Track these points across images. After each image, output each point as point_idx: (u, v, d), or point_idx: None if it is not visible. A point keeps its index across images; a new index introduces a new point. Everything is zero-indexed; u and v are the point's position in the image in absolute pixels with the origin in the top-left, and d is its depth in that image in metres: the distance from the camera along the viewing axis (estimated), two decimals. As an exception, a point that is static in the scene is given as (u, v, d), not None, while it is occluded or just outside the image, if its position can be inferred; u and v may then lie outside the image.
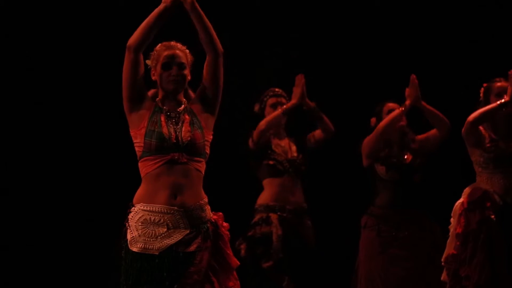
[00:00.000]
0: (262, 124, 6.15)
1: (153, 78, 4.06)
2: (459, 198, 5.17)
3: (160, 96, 4.05)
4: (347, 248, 6.21)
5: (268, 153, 6.20)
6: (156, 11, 3.98)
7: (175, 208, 3.90)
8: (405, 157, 5.88)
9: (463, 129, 5.11)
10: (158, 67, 4.02)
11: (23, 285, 7.10)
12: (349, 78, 7.42)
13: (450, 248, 5.09)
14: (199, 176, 3.98)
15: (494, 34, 7.10)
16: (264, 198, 6.19)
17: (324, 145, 6.32)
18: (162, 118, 3.97)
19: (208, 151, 4.02)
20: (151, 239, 3.89)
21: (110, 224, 4.51)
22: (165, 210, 3.90)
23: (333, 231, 6.90)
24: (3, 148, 7.07)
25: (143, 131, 3.95)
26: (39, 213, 7.09)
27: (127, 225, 3.94)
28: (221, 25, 4.28)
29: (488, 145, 5.12)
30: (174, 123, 3.98)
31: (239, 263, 4.06)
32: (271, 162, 6.18)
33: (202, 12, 3.98)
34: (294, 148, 6.28)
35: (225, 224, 4.06)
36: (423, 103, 5.82)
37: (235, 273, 4.04)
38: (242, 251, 6.04)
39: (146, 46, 3.98)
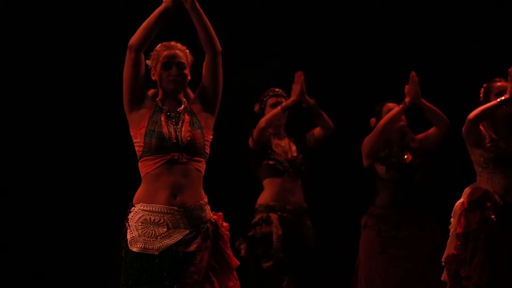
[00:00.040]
0: (262, 121, 6.15)
1: (153, 78, 4.06)
2: (459, 198, 5.17)
3: (160, 96, 4.05)
4: (347, 248, 6.21)
5: (268, 153, 6.20)
6: (157, 11, 3.99)
7: (175, 208, 3.90)
8: (405, 157, 5.88)
9: (463, 128, 5.11)
10: (158, 67, 4.02)
11: (23, 285, 7.10)
12: (349, 78, 7.42)
13: (450, 248, 5.09)
14: (199, 176, 3.98)
15: (494, 34, 7.10)
16: (264, 198, 6.19)
17: (324, 145, 6.32)
18: (162, 118, 3.97)
19: (208, 151, 4.02)
20: (151, 239, 3.89)
21: (110, 224, 4.51)
22: (165, 210, 3.90)
23: (333, 231, 6.90)
24: (3, 148, 7.07)
25: (143, 130, 3.95)
26: (39, 213, 7.09)
27: (127, 225, 3.94)
28: (221, 25, 4.28)
29: (488, 145, 5.12)
30: (174, 123, 3.98)
31: (239, 263, 4.06)
32: (271, 162, 6.18)
33: (202, 12, 3.98)
34: (294, 148, 6.28)
35: (225, 224, 4.06)
36: (423, 100, 5.83)
37: (235, 273, 4.04)
38: (242, 251, 6.04)
39: (147, 45, 3.98)
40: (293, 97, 6.20)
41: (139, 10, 4.27)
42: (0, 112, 7.07)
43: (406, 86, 5.86)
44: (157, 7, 3.99)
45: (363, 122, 6.07)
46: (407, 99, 5.83)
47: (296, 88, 6.20)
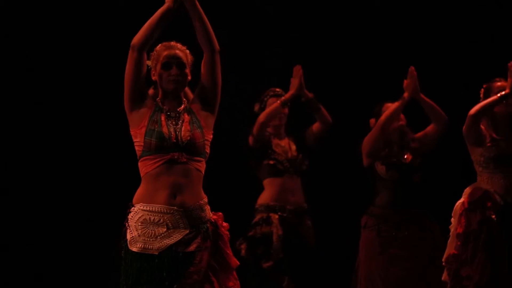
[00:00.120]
0: (262, 116, 6.15)
1: (153, 78, 4.06)
2: (459, 198, 5.16)
3: (160, 95, 4.05)
4: (347, 248, 6.21)
5: (269, 153, 6.21)
6: (159, 11, 4.00)
7: (175, 208, 3.90)
8: (405, 156, 5.88)
9: (464, 126, 5.10)
10: (158, 67, 4.02)
11: (23, 285, 7.10)
12: (349, 78, 7.42)
13: (451, 248, 5.09)
14: (199, 176, 3.98)
15: (494, 34, 7.10)
16: (264, 198, 6.19)
17: (323, 142, 6.31)
18: (162, 118, 3.97)
19: (208, 150, 4.02)
20: (151, 239, 3.89)
21: (110, 224, 4.50)
22: (165, 210, 3.90)
23: (333, 231, 6.90)
24: (3, 148, 7.07)
25: (143, 130, 3.95)
26: (39, 213, 7.09)
27: (126, 225, 3.94)
28: (221, 25, 4.29)
29: (489, 144, 5.12)
30: (174, 122, 3.98)
31: (238, 263, 4.06)
32: (271, 162, 6.18)
33: (201, 11, 3.99)
34: (294, 147, 6.28)
35: (225, 224, 4.06)
36: (422, 95, 5.83)
37: (235, 273, 4.04)
38: (243, 251, 6.04)
39: (149, 45, 3.99)
40: (291, 91, 6.22)
41: (139, 10, 4.27)
42: (0, 112, 7.07)
43: (405, 81, 5.86)
44: (156, 7, 4.00)
45: (363, 122, 6.07)
46: (405, 94, 5.83)
47: (294, 82, 6.21)
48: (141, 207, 3.92)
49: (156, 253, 3.87)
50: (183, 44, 4.08)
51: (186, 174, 3.93)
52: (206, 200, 4.01)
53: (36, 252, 7.08)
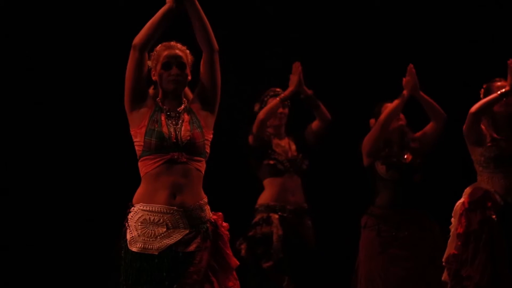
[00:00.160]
0: (261, 113, 6.14)
1: (153, 78, 4.06)
2: (459, 198, 5.16)
3: (160, 95, 4.05)
4: (347, 248, 6.21)
5: (269, 152, 6.20)
6: (161, 11, 4.00)
7: (175, 208, 3.90)
8: (405, 156, 5.88)
9: (465, 125, 5.10)
10: (158, 67, 4.02)
11: (23, 285, 7.10)
12: (349, 78, 7.42)
13: (451, 248, 5.09)
14: (199, 176, 3.97)
15: (494, 34, 7.10)
16: (264, 198, 6.19)
17: (323, 145, 6.31)
18: (163, 118, 3.97)
19: (208, 150, 4.02)
20: (151, 239, 3.89)
21: (110, 224, 4.50)
22: (165, 210, 3.90)
23: (333, 231, 6.90)
24: (3, 148, 7.07)
25: (143, 129, 3.95)
26: (39, 213, 7.09)
27: (126, 225, 3.94)
28: (221, 25, 4.29)
29: (489, 144, 5.12)
30: (174, 122, 3.98)
31: (238, 263, 4.06)
32: (271, 162, 6.18)
33: (201, 10, 3.99)
34: (294, 147, 6.28)
35: (224, 224, 4.06)
36: (421, 93, 5.82)
37: (234, 273, 4.03)
38: (243, 251, 6.03)
39: (151, 45, 3.99)
40: (291, 88, 6.21)
41: (140, 10, 4.27)
42: (0, 112, 7.07)
43: (404, 79, 5.86)
44: (157, 7, 4.00)
45: (363, 121, 6.07)
46: (405, 92, 5.83)
47: (294, 79, 6.21)
48: (141, 207, 3.92)
49: (156, 253, 3.87)
50: (183, 44, 4.08)
51: (186, 174, 3.93)
52: (206, 200, 4.01)
53: (36, 252, 7.08)
